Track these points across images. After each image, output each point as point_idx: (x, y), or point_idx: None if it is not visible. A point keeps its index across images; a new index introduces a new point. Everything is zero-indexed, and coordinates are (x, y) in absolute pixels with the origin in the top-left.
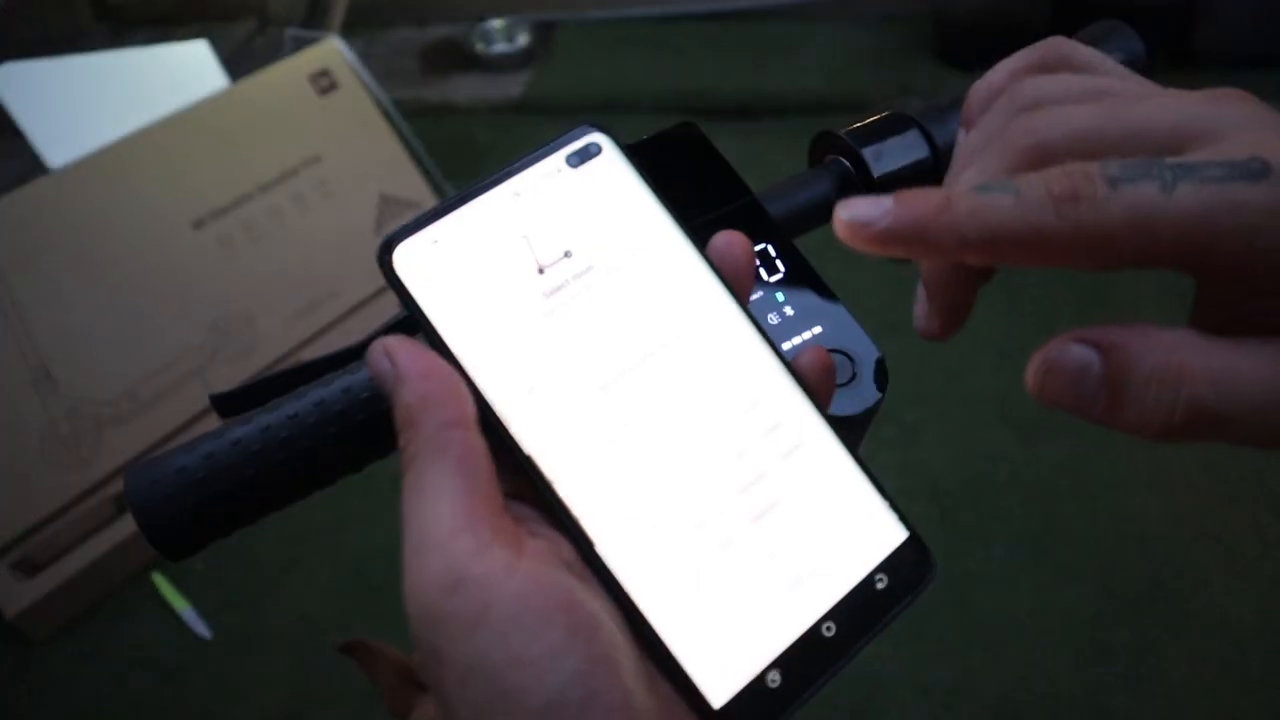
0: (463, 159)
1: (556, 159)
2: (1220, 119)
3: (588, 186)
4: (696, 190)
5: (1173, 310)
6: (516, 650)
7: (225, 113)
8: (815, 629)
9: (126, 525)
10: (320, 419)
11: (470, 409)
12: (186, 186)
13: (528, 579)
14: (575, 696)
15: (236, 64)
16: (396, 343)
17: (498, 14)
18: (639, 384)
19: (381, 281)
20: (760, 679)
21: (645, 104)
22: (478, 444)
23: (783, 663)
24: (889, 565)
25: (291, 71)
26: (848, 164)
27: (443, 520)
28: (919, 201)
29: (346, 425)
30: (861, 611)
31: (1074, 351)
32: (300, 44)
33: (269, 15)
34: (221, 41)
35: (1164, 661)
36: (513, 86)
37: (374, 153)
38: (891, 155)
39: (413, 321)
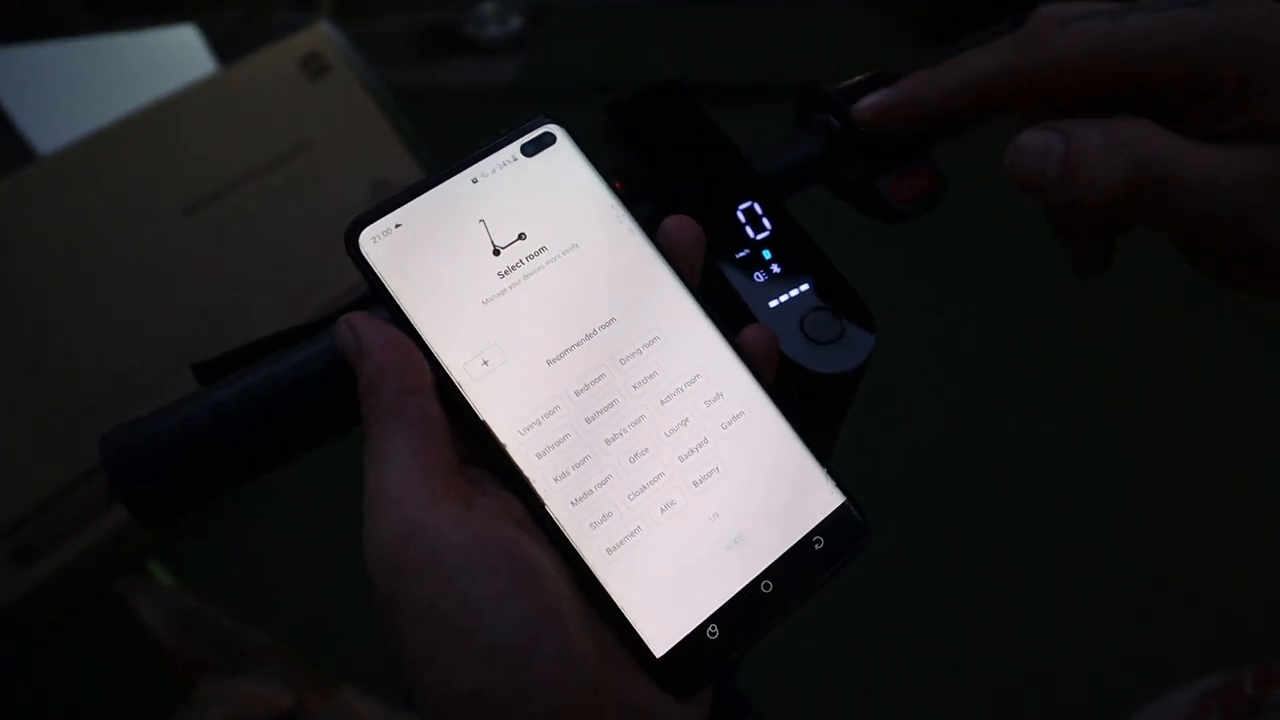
0: (456, 143)
1: (513, 148)
2: None
3: (542, 174)
4: (683, 148)
5: (1176, 300)
6: (463, 595)
7: (215, 98)
8: (753, 586)
9: (122, 512)
10: (297, 381)
11: (427, 377)
12: (177, 172)
13: (476, 530)
14: (518, 639)
15: (226, 49)
16: (360, 318)
17: None
18: (586, 358)
19: None
20: (699, 631)
21: (637, 87)
22: (434, 410)
23: (721, 617)
24: (825, 528)
25: (281, 56)
26: (836, 122)
27: (398, 477)
28: (912, 75)
29: (324, 389)
30: (798, 571)
31: (1040, 134)
32: (290, 28)
33: (259, 0)
34: (211, 27)
35: (1162, 643)
36: (506, 70)
37: (366, 137)
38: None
39: (377, 299)
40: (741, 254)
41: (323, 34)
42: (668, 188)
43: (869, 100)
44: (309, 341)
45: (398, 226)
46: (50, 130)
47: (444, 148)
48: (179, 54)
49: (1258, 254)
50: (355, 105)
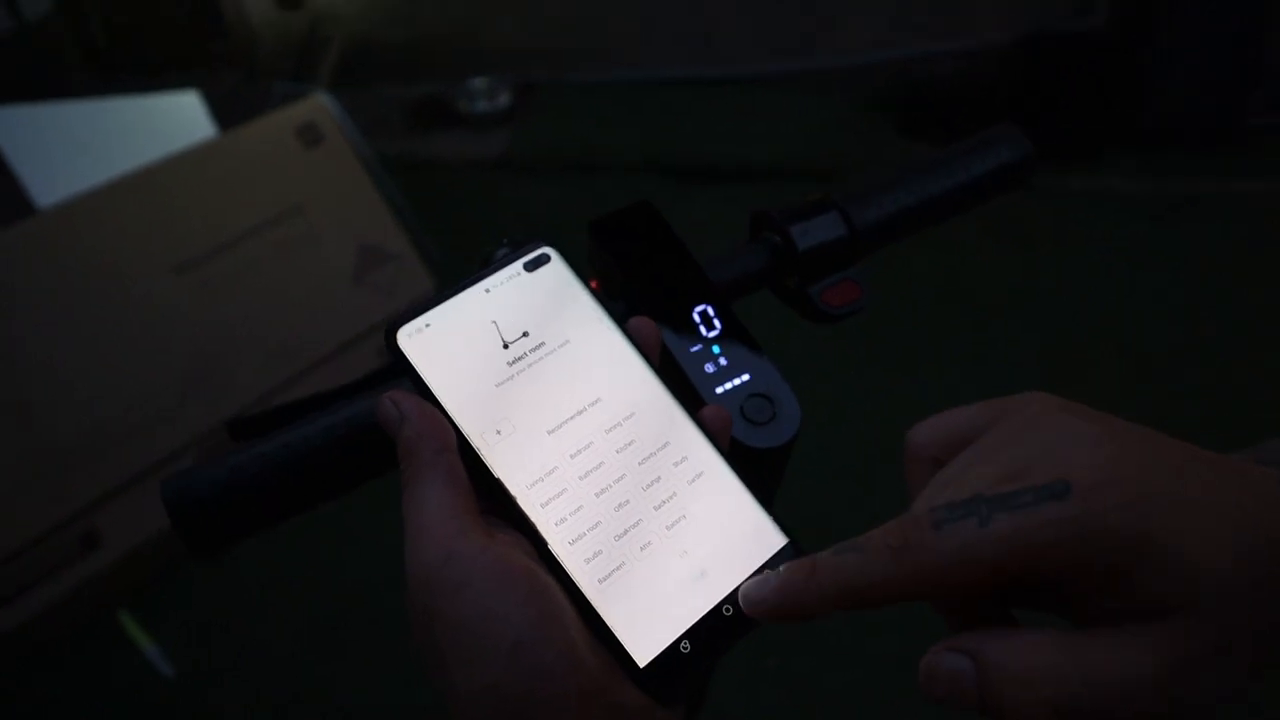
0: (445, 213)
1: (517, 265)
2: (1035, 443)
3: (540, 285)
4: (651, 259)
5: (1127, 371)
6: (490, 606)
7: (212, 161)
8: (717, 610)
9: (96, 561)
10: (328, 441)
11: (453, 441)
12: (171, 231)
13: (498, 556)
14: (531, 638)
15: (223, 114)
16: (401, 395)
17: (481, 74)
18: (578, 428)
19: (354, 331)
20: (674, 646)
21: (620, 164)
22: (459, 466)
23: (692, 635)
24: (773, 563)
25: (278, 124)
26: (779, 239)
27: (436, 515)
28: (792, 572)
29: (346, 449)
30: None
31: (949, 659)
32: (289, 97)
33: (257, 67)
34: (213, 94)
35: None
36: (494, 144)
37: (356, 205)
38: (814, 233)
39: (396, 371)
40: (695, 348)
41: (320, 104)
42: (637, 291)
43: (754, 594)
44: (334, 408)
45: (428, 326)
46: (52, 186)
47: (434, 216)
48: (181, 118)
49: (1210, 704)
50: (347, 173)
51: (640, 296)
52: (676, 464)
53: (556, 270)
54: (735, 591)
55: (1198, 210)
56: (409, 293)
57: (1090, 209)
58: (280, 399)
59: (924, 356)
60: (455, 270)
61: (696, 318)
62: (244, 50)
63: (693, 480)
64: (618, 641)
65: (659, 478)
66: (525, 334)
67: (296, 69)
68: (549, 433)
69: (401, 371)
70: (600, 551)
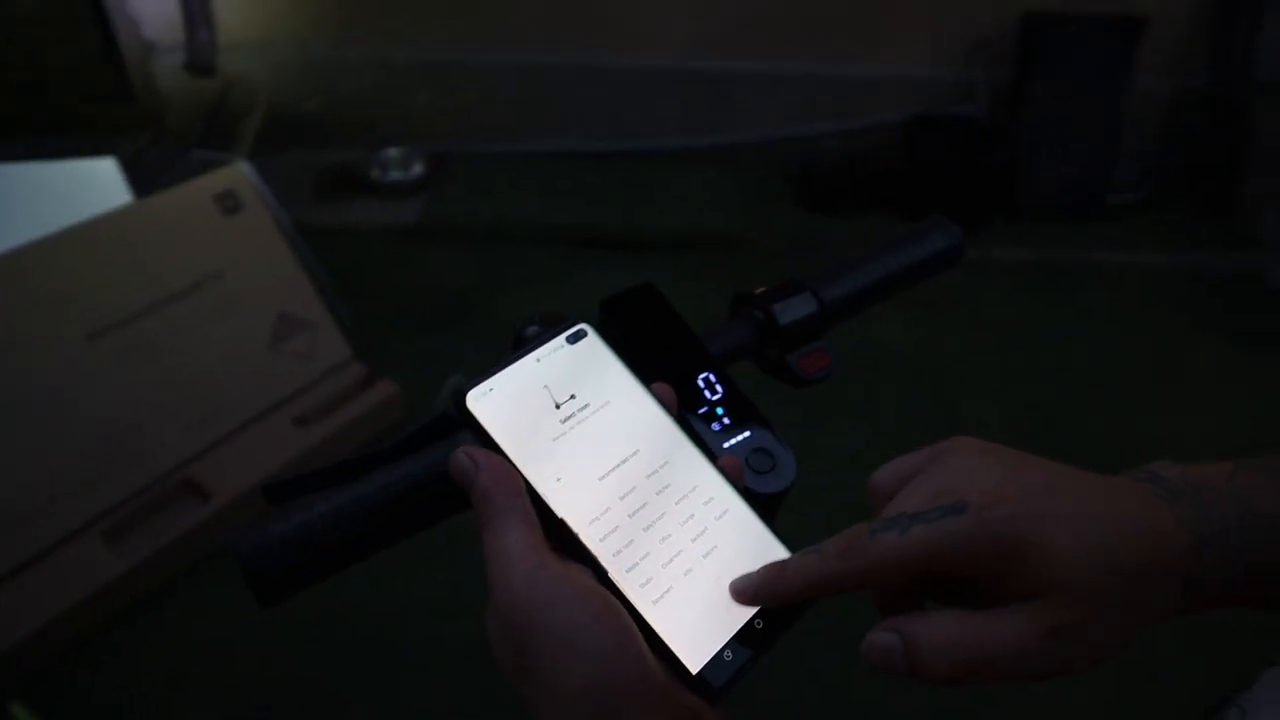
0: (359, 281)
1: (561, 339)
2: (954, 474)
3: (581, 355)
4: (656, 334)
5: (1010, 418)
6: (577, 619)
7: (129, 227)
8: (750, 624)
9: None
10: (383, 499)
11: (523, 488)
12: (86, 298)
13: (575, 579)
14: (615, 645)
15: (140, 181)
16: (473, 450)
17: (395, 144)
18: (624, 475)
19: (271, 399)
20: (719, 654)
21: (533, 234)
22: (530, 509)
23: (732, 644)
24: None
25: (197, 191)
26: (761, 315)
27: (518, 549)
28: (769, 570)
29: (395, 505)
30: (777, 612)
31: (882, 637)
32: (207, 165)
33: (165, 131)
34: (130, 161)
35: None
36: (408, 212)
37: (273, 272)
38: (792, 310)
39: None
40: (703, 410)
41: (239, 172)
42: (647, 363)
43: (741, 585)
44: (382, 471)
45: (491, 390)
46: None
47: (348, 284)
48: (98, 184)
49: (1072, 664)
50: (265, 241)
51: (651, 366)
52: (705, 503)
53: (592, 343)
54: (762, 609)
55: (1067, 277)
56: (326, 361)
57: (977, 275)
58: (197, 467)
59: (845, 410)
60: (370, 337)
61: (701, 384)
62: (153, 116)
63: (719, 517)
64: (672, 653)
65: (693, 515)
66: (573, 396)
67: (206, 135)
68: (599, 479)
69: (465, 429)
70: (651, 578)
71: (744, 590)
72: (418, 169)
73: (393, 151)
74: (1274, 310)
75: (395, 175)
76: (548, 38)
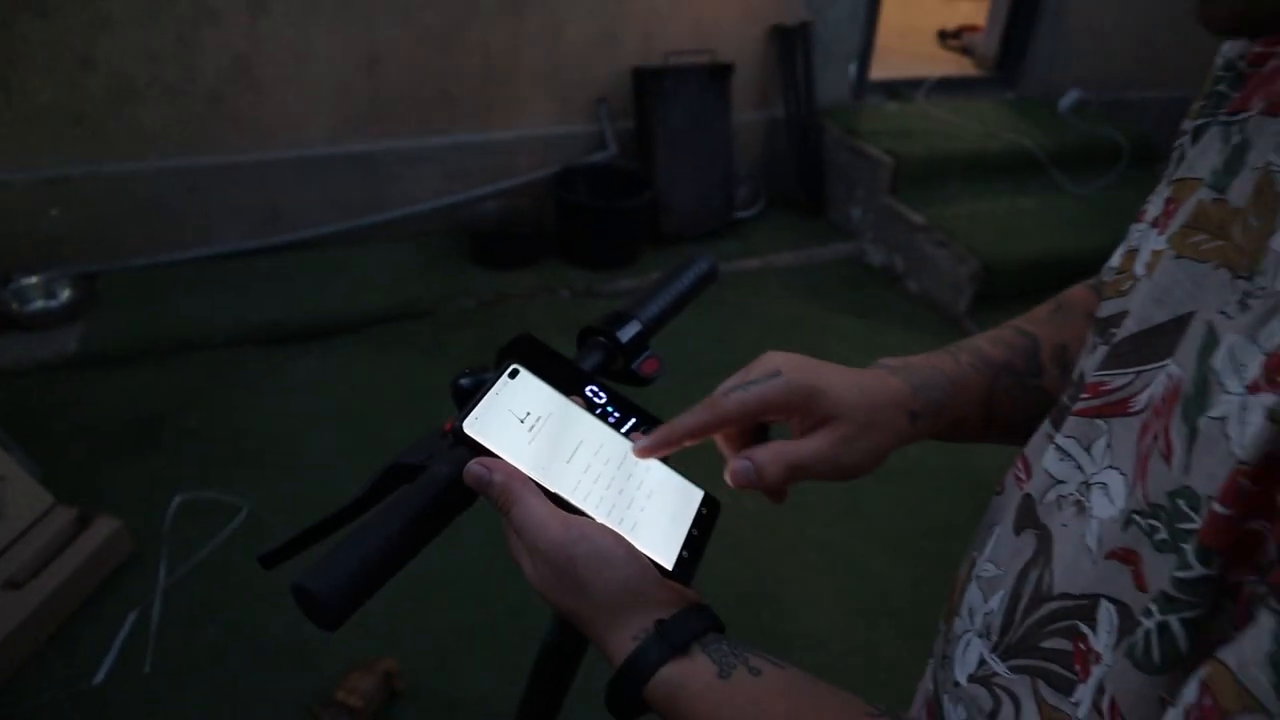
0: (30, 423)
1: (505, 378)
2: (770, 362)
3: (523, 384)
4: (546, 366)
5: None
6: (604, 544)
7: None
8: (690, 532)
9: None
10: (415, 519)
11: (526, 477)
12: None
13: (588, 521)
14: (628, 555)
15: None
16: (483, 459)
17: (32, 272)
18: (582, 457)
19: None
20: (680, 555)
21: (218, 339)
22: (537, 488)
23: (685, 547)
24: (704, 504)
25: None
26: (605, 340)
27: (543, 511)
28: (659, 429)
29: (425, 520)
30: (702, 522)
31: (740, 463)
32: None
33: None
34: None
35: None
36: (66, 341)
37: None
38: (628, 331)
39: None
40: (599, 410)
41: None
42: (555, 385)
43: (641, 444)
44: (396, 496)
45: (476, 419)
46: None
47: (20, 430)
48: None
49: (853, 466)
50: None
51: (559, 386)
52: (635, 465)
53: (525, 376)
54: (693, 522)
55: (719, 287)
56: (23, 515)
57: None
58: None
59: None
60: (69, 478)
61: (589, 393)
62: None
63: (646, 470)
64: (653, 560)
65: (631, 473)
66: (529, 413)
67: None
68: (566, 463)
69: (466, 447)
70: (623, 518)
71: (646, 447)
72: (65, 294)
73: (32, 279)
74: (874, 284)
75: (38, 304)
76: (180, 143)
